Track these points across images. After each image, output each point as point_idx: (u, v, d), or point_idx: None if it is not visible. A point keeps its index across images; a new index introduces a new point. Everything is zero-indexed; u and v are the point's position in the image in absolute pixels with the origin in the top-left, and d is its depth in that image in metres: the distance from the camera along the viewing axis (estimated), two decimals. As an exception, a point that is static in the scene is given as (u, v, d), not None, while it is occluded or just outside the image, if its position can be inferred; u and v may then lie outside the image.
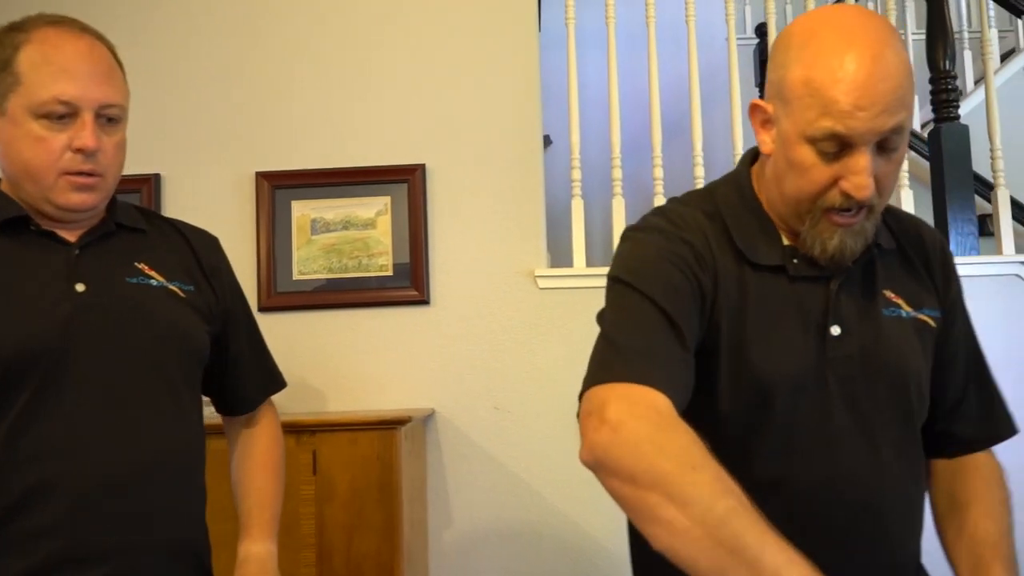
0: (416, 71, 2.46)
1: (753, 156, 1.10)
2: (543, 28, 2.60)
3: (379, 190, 2.39)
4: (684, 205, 1.08)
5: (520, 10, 2.48)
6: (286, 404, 2.30)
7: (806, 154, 0.94)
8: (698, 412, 0.93)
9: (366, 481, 1.91)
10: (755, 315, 1.00)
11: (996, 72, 3.69)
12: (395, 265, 2.38)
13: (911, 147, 3.37)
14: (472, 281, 2.40)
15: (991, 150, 2.54)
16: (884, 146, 0.93)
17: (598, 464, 0.85)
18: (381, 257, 2.38)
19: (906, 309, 1.05)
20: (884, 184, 0.95)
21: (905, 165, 2.51)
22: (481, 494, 2.36)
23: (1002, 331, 2.38)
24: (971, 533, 1.06)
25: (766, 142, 1.01)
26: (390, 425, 1.92)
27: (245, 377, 1.36)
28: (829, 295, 1.01)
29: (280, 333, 2.38)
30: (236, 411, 1.38)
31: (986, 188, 2.75)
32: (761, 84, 3.04)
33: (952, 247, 2.50)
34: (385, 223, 2.39)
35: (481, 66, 2.46)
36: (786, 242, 1.04)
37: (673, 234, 1.01)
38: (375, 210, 2.39)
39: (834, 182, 0.94)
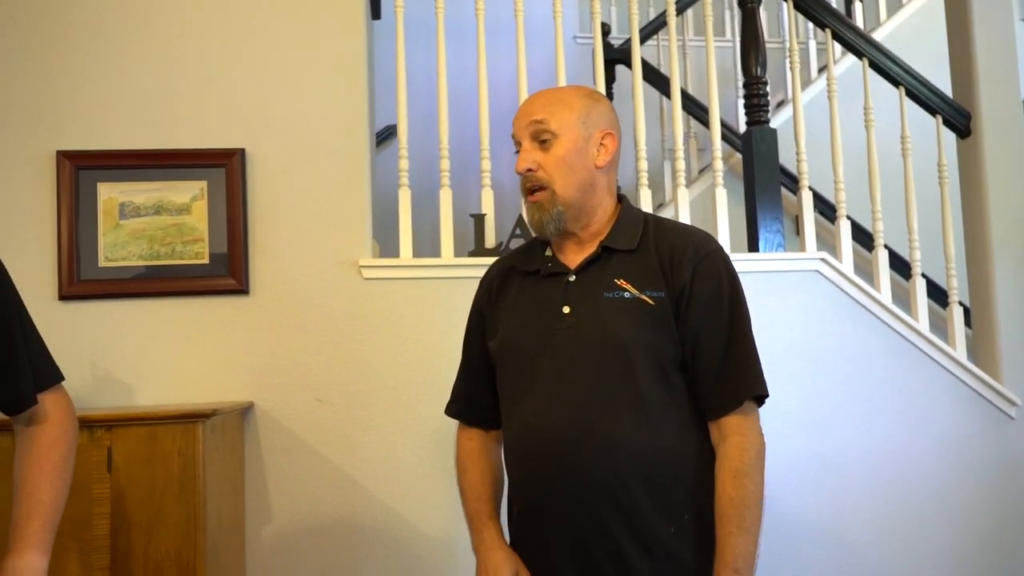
0: (238, 53, 2.37)
1: None
2: (402, 19, 2.55)
3: (195, 174, 2.28)
4: (521, 247, 1.56)
5: (349, -4, 2.43)
6: (88, 398, 2.17)
7: None
8: None
9: (165, 478, 1.82)
10: (515, 305, 1.46)
11: (814, 81, 3.95)
12: (212, 253, 2.28)
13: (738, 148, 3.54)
14: (294, 271, 2.34)
15: (797, 153, 2.69)
16: (538, 139, 1.38)
17: None
18: (196, 244, 2.28)
19: (631, 291, 1.36)
20: (547, 169, 1.37)
21: (722, 167, 2.63)
22: (302, 488, 2.31)
23: (801, 322, 2.53)
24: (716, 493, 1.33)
25: None
26: (192, 419, 1.84)
27: (13, 374, 1.26)
28: (565, 285, 1.41)
29: (83, 323, 2.26)
30: (10, 410, 1.28)
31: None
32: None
33: (761, 244, 2.65)
34: (201, 209, 2.29)
35: (307, 52, 2.39)
36: (549, 254, 1.45)
37: (482, 282, 1.54)
38: (190, 195, 2.28)
39: None
